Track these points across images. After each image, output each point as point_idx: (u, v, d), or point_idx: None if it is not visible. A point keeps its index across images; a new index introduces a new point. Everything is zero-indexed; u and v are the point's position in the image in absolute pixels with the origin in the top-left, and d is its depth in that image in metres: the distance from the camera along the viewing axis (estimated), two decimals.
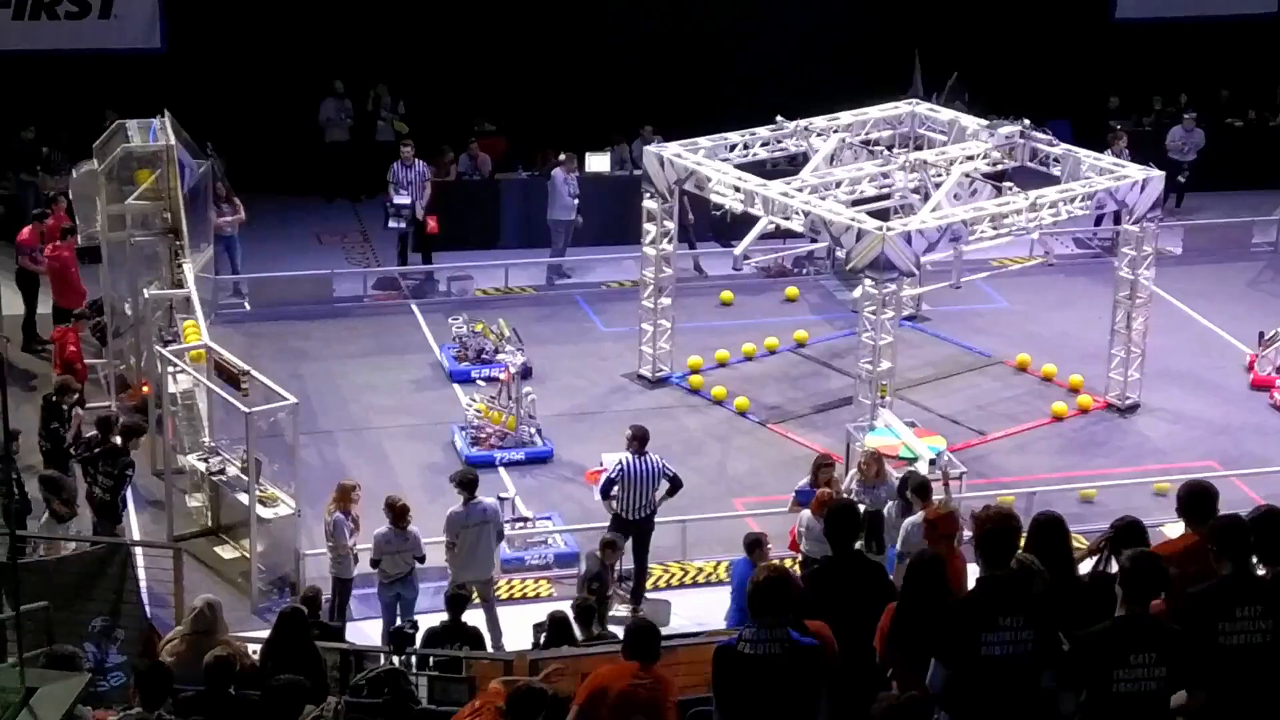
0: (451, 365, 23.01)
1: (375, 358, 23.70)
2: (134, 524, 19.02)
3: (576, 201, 26.32)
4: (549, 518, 19.42)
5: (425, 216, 26.16)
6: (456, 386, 22.59)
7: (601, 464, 18.83)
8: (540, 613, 15.73)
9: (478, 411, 21.17)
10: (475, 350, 23.00)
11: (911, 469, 18.12)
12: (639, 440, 17.85)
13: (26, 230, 23.39)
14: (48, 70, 27.94)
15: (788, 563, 17.73)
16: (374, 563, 16.78)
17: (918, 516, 16.32)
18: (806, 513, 16.79)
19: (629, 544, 17.92)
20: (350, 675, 13.25)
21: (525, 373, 21.75)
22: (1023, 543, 9.51)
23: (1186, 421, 22.22)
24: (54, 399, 19.09)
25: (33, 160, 27.21)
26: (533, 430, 21.02)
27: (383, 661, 13.53)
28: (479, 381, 22.17)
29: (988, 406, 22.48)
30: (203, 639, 12.72)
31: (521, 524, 19.03)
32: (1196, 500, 10.08)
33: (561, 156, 26.61)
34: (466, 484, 17.05)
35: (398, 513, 16.70)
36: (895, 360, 20.53)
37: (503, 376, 21.30)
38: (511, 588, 18.28)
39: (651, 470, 17.75)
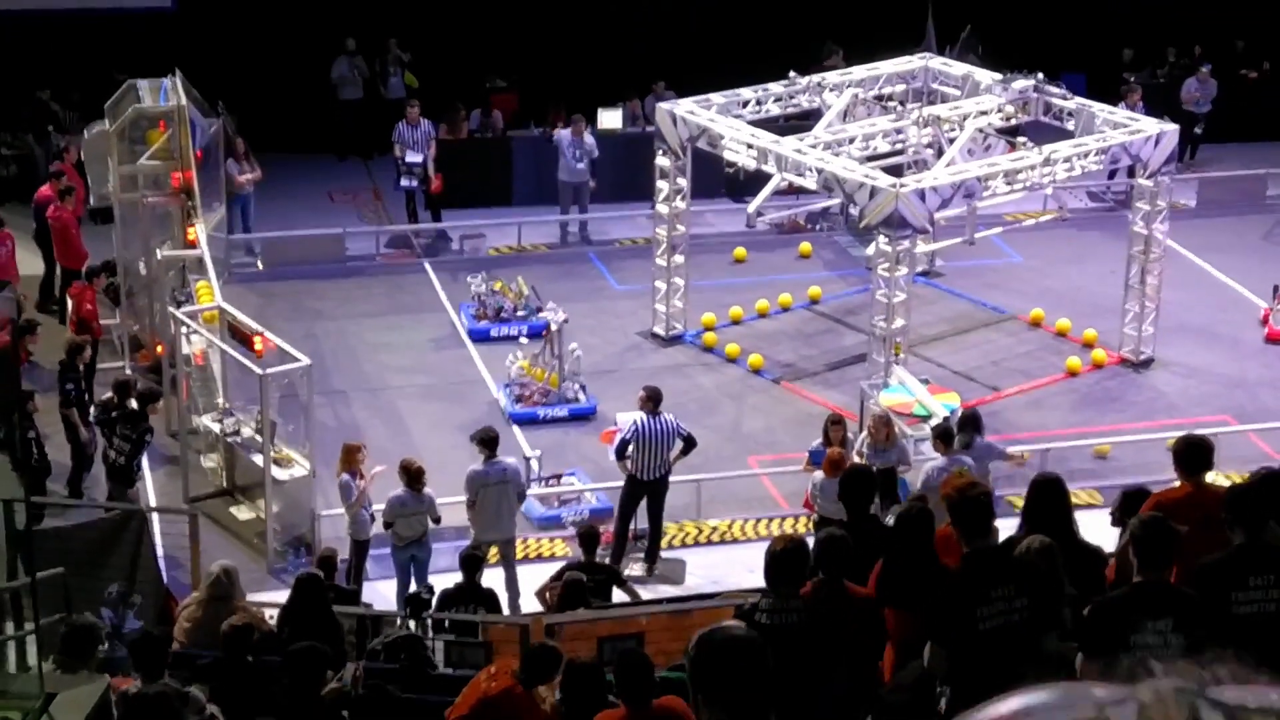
0: (470, 324, 23.00)
1: (389, 317, 23.70)
2: (150, 487, 19.08)
3: (582, 165, 26.18)
4: (574, 474, 19.40)
5: (433, 175, 26.08)
6: (471, 345, 22.57)
7: (616, 423, 18.85)
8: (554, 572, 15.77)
9: (521, 369, 21.15)
10: (494, 309, 22.96)
11: (968, 410, 18.39)
12: (653, 400, 17.85)
13: (46, 186, 23.43)
14: (58, 31, 27.87)
15: (803, 523, 17.80)
16: (387, 525, 16.81)
17: (939, 461, 16.46)
18: (819, 473, 16.82)
19: (643, 505, 17.97)
20: (367, 640, 13.32)
21: (535, 331, 21.70)
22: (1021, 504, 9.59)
23: (1201, 376, 22.18)
24: (64, 361, 19.11)
25: (45, 121, 27.19)
26: (576, 387, 20.99)
27: (399, 626, 13.58)
28: (522, 340, 22.03)
29: (1002, 362, 22.45)
30: (220, 605, 12.80)
31: (554, 481, 19.04)
32: (1191, 453, 10.18)
33: (561, 120, 26.54)
34: (487, 442, 17.04)
35: (413, 475, 16.73)
36: (909, 317, 20.50)
37: (546, 334, 21.27)
38: (527, 547, 18.30)
39: (665, 430, 17.75)
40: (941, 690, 8.62)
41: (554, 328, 21.02)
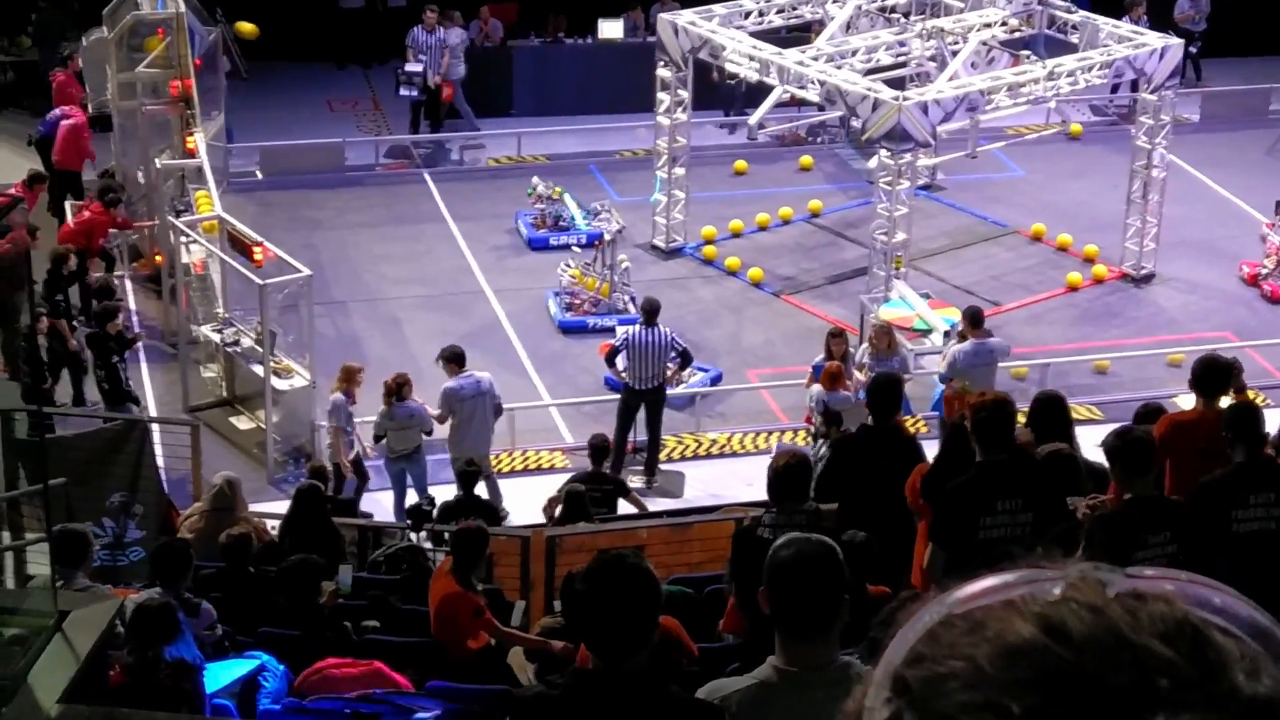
0: (530, 233, 22.89)
1: (388, 227, 23.62)
2: (149, 396, 19.07)
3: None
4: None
5: (442, 84, 25.91)
6: (470, 256, 22.50)
7: (616, 336, 18.85)
8: (553, 485, 15.78)
9: (572, 277, 21.11)
10: (553, 217, 22.88)
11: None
12: (648, 312, 17.81)
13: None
14: None
15: (801, 437, 17.84)
16: (378, 438, 16.75)
17: (965, 345, 16.51)
18: (817, 386, 16.81)
19: (641, 414, 17.96)
20: (368, 551, 13.37)
21: (593, 240, 21.57)
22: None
23: (1202, 292, 22.14)
24: (50, 270, 18.88)
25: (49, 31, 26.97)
26: (626, 298, 20.97)
27: (400, 538, 13.63)
28: (575, 248, 22.01)
29: (1002, 277, 22.41)
30: (222, 516, 12.83)
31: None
32: (1209, 374, 10.11)
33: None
34: (455, 358, 16.91)
35: (391, 390, 16.54)
36: (910, 231, 20.44)
37: (598, 244, 21.21)
38: (527, 459, 18.31)
39: (659, 342, 17.63)
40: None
41: (608, 237, 20.95)
